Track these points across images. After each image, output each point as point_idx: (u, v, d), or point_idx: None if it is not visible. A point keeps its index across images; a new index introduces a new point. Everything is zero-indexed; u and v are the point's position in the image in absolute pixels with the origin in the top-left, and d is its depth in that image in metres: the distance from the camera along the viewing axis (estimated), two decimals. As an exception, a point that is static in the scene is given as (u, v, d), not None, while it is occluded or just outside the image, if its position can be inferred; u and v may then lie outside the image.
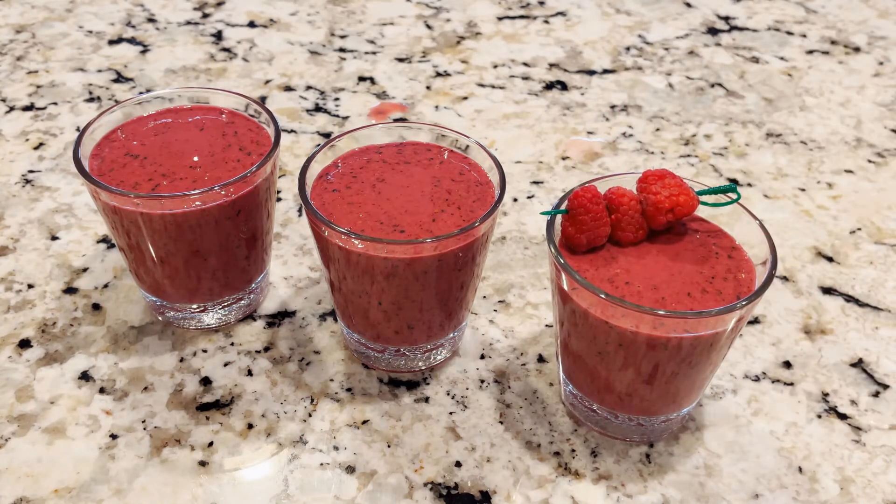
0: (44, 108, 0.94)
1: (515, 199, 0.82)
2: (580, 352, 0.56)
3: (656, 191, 0.55)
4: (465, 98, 0.97)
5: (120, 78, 1.00)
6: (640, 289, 0.52)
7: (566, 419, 0.61)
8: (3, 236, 0.76)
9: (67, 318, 0.68)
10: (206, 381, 0.63)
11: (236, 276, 0.66)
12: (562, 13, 1.16)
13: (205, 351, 0.66)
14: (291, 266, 0.74)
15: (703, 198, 0.56)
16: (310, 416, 0.61)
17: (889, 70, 1.05)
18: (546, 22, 1.14)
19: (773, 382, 0.64)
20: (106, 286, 0.71)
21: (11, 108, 0.94)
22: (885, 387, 0.64)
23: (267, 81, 1.00)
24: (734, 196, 0.56)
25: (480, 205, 0.58)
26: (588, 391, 0.58)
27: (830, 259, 0.76)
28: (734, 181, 0.85)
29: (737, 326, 0.52)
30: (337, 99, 0.97)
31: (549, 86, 1.00)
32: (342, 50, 1.07)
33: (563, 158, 0.88)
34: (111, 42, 1.08)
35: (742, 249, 0.56)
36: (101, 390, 0.62)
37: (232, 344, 0.66)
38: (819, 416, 0.62)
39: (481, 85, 1.00)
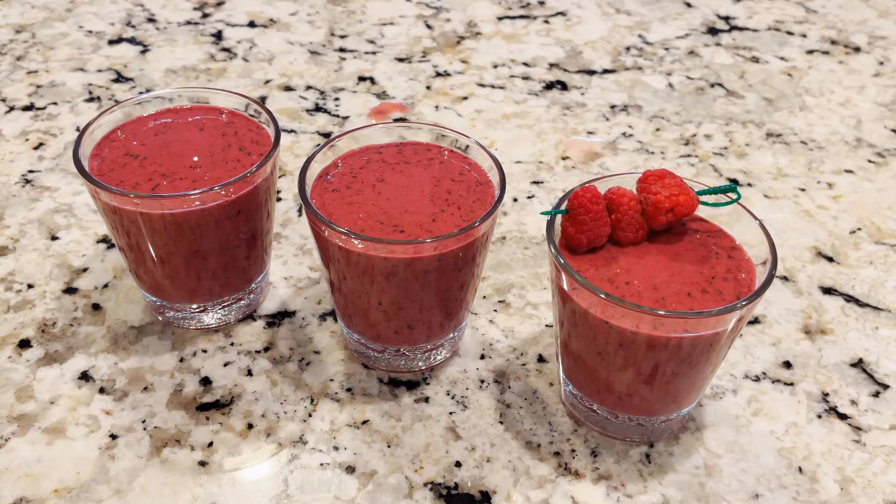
0: (44, 108, 0.94)
1: (515, 199, 0.82)
2: (580, 352, 0.56)
3: (656, 191, 0.55)
4: (465, 98, 0.97)
5: (120, 78, 1.00)
6: (640, 289, 0.52)
7: (566, 419, 0.61)
8: (3, 236, 0.76)
9: (67, 318, 0.68)
10: (206, 381, 0.63)
11: (236, 276, 0.66)
12: (562, 13, 1.16)
13: (205, 351, 0.66)
14: (291, 266, 0.74)
15: (704, 198, 0.56)
16: (310, 416, 0.61)
17: (889, 70, 1.05)
18: (546, 22, 1.14)
19: (773, 382, 0.64)
20: (106, 286, 0.71)
21: (11, 108, 0.94)
22: (885, 387, 0.64)
23: (267, 81, 1.00)
24: (734, 196, 0.56)
25: (480, 205, 0.58)
26: (588, 391, 0.58)
27: (830, 259, 0.76)
28: (734, 181, 0.85)
29: (737, 326, 0.52)
30: (337, 99, 0.97)
31: (549, 86, 1.00)
32: (342, 50, 1.07)
33: (563, 158, 0.88)
34: (111, 42, 1.08)
35: (742, 249, 0.56)
36: (101, 390, 0.62)
37: (232, 344, 0.66)
38: (819, 416, 0.62)
39: (481, 85, 1.00)
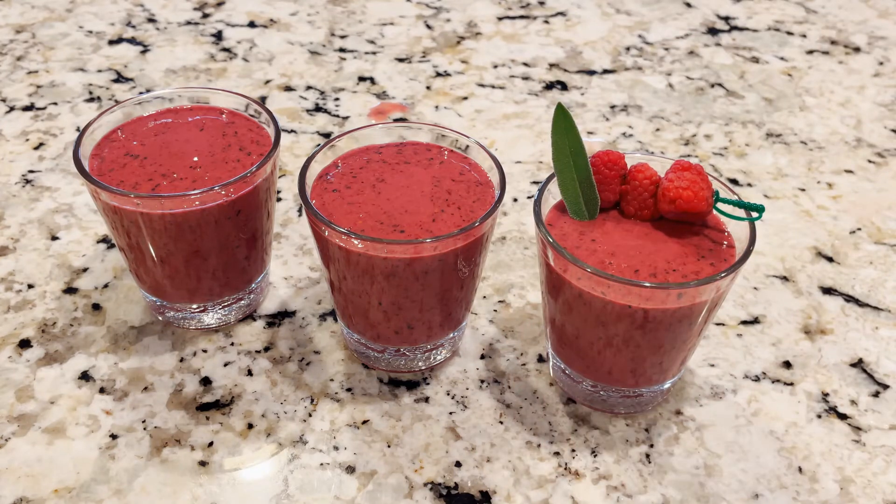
0: (44, 108, 0.94)
1: (515, 199, 0.82)
2: (563, 323, 0.57)
3: (670, 178, 0.55)
4: (465, 98, 0.97)
5: (120, 78, 1.00)
6: (605, 258, 0.53)
7: (566, 419, 0.61)
8: (3, 236, 0.76)
9: (67, 318, 0.68)
10: (206, 381, 0.63)
11: (236, 276, 0.66)
12: (562, 13, 1.16)
13: (205, 351, 0.66)
14: (291, 266, 0.74)
15: (722, 205, 0.56)
16: (310, 416, 0.61)
17: (889, 70, 1.05)
18: (546, 22, 1.14)
19: (773, 382, 0.64)
20: (106, 286, 0.71)
21: (11, 108, 0.94)
22: (885, 387, 0.64)
23: (267, 81, 1.00)
24: (755, 215, 0.55)
25: (480, 205, 0.58)
26: (575, 366, 0.59)
27: (830, 259, 0.76)
28: (734, 181, 0.85)
29: (693, 308, 0.52)
30: (337, 99, 0.97)
31: (550, 86, 1.00)
32: (342, 50, 1.07)
33: (563, 158, 0.88)
34: (111, 42, 1.08)
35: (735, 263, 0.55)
36: (101, 390, 0.62)
37: (232, 344, 0.66)
38: (819, 416, 0.62)
39: (481, 85, 1.00)
